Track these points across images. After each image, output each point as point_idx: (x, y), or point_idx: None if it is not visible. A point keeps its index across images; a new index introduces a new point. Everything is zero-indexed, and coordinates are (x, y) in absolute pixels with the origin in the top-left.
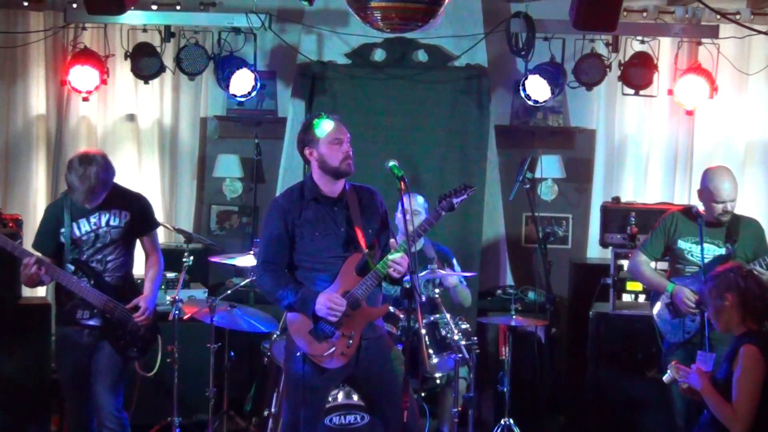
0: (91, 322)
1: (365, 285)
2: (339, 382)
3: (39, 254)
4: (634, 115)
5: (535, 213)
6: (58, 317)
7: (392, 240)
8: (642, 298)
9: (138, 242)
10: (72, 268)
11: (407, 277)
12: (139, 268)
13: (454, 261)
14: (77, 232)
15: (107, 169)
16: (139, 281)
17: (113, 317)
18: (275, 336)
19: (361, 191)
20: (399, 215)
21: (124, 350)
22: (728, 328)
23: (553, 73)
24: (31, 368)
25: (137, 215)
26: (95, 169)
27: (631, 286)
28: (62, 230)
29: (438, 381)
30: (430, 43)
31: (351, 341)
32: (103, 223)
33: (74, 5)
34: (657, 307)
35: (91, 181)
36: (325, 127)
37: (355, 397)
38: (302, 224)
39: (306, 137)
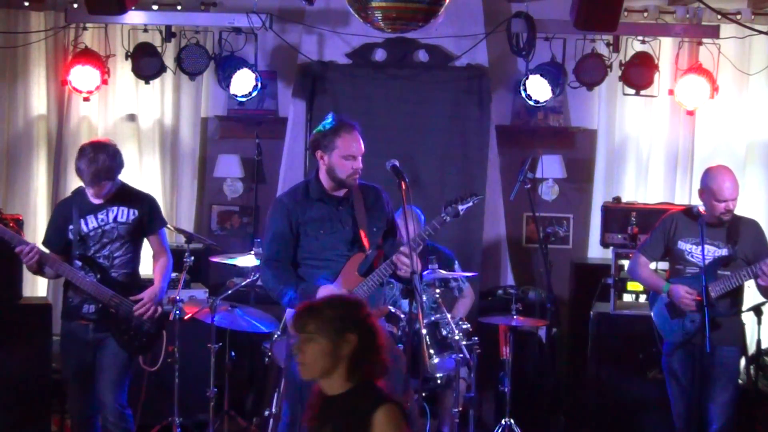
0: (96, 317)
1: (367, 285)
2: None
3: (35, 243)
4: (634, 115)
5: (536, 213)
6: (63, 312)
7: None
8: (643, 298)
9: (146, 242)
10: (80, 263)
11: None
12: (145, 269)
13: (456, 264)
14: (84, 228)
15: (115, 157)
16: (145, 282)
17: (118, 312)
18: (276, 336)
19: (367, 190)
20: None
21: (128, 345)
22: (319, 375)
23: (553, 73)
24: (31, 368)
25: (145, 214)
26: (104, 156)
27: (631, 286)
28: (70, 227)
29: (438, 381)
30: (431, 43)
31: None
32: (111, 219)
33: (75, 5)
34: (655, 308)
35: (98, 165)
36: (345, 140)
37: None
38: (307, 223)
39: (322, 141)
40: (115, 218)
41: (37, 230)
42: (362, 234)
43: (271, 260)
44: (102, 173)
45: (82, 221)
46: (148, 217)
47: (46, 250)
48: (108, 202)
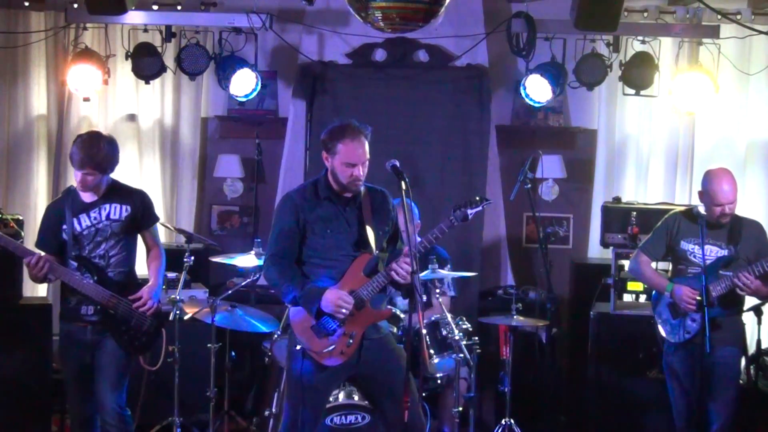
0: (95, 318)
1: (371, 286)
2: (341, 381)
3: (41, 252)
4: (634, 115)
5: (536, 213)
6: (62, 314)
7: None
8: (643, 298)
9: (140, 238)
10: (75, 264)
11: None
12: (141, 268)
13: (449, 266)
14: (78, 228)
15: (112, 147)
16: (141, 281)
17: (117, 313)
18: (276, 336)
19: (374, 193)
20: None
21: (128, 345)
22: None
23: (553, 73)
24: (32, 368)
25: (138, 209)
26: (102, 143)
27: (631, 286)
28: (63, 227)
29: (439, 381)
30: (431, 43)
31: (351, 341)
32: (103, 217)
33: (75, 5)
34: (658, 308)
35: (92, 150)
36: (347, 146)
37: (356, 397)
38: (315, 221)
39: (327, 143)
40: (108, 216)
41: (37, 230)
42: (370, 234)
43: (276, 257)
44: (95, 159)
45: (75, 221)
46: (141, 212)
47: (42, 253)
48: (100, 200)
